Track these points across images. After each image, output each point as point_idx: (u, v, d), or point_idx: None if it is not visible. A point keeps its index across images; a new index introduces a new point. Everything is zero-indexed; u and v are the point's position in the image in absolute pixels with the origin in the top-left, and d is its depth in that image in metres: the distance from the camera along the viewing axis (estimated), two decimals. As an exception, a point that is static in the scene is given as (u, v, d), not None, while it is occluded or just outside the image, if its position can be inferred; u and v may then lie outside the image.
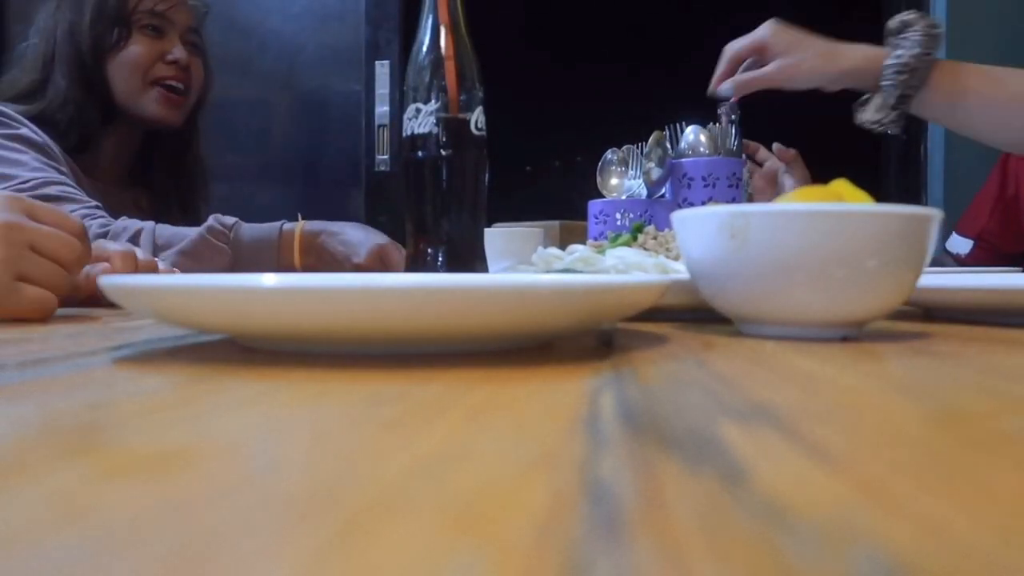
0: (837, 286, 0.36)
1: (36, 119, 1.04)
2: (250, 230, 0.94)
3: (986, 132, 0.91)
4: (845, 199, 0.48)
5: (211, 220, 0.93)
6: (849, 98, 0.94)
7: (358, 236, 0.93)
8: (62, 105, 1.05)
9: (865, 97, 0.87)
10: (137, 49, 1.06)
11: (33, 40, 1.09)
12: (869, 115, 0.86)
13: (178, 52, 1.08)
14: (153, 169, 1.15)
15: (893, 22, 0.85)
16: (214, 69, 1.18)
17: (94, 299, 0.71)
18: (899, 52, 0.83)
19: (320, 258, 0.94)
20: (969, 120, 0.88)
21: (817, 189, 0.52)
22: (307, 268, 0.94)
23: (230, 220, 0.94)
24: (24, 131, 1.00)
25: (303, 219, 0.95)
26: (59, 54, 1.06)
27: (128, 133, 1.12)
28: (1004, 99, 0.85)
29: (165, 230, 0.92)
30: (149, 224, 0.92)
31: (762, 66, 0.88)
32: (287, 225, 0.95)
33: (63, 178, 0.97)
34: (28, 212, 0.51)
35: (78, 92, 1.05)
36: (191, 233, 0.91)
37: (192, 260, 0.89)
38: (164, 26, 1.08)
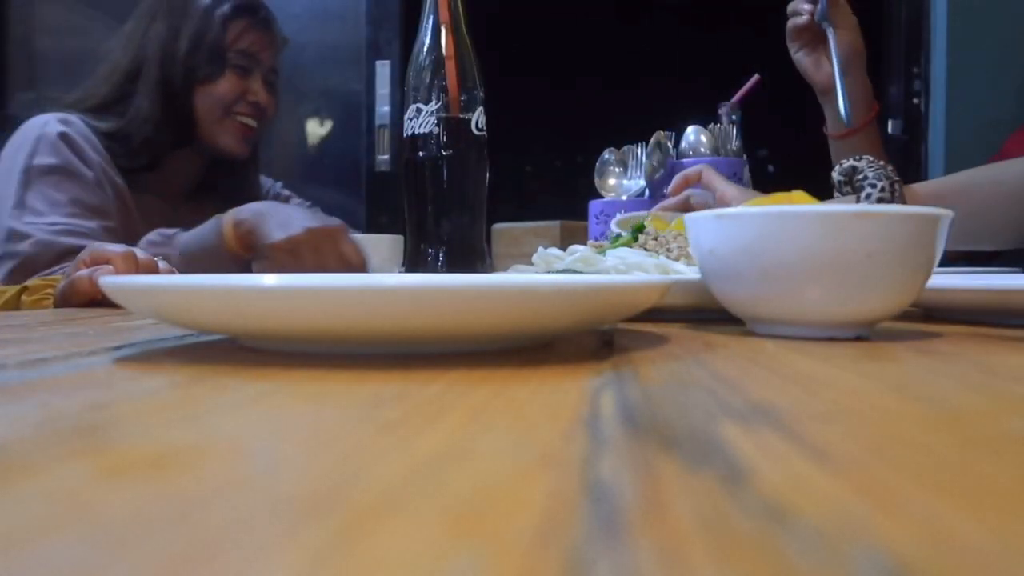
0: (851, 286, 0.37)
1: (108, 135, 1.03)
2: (189, 238, 0.90)
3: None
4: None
5: (153, 235, 0.91)
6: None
7: (297, 213, 0.87)
8: (140, 125, 1.04)
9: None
10: (225, 86, 1.06)
11: (116, 50, 1.07)
12: None
13: (260, 94, 1.09)
14: (215, 192, 1.14)
15: (838, 173, 0.77)
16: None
17: (94, 301, 0.71)
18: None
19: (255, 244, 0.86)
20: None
21: (780, 196, 0.53)
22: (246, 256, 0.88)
23: (169, 231, 0.92)
24: (74, 162, 0.98)
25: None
26: (146, 74, 1.04)
27: (193, 157, 1.11)
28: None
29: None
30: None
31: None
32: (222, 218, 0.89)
33: (84, 227, 0.96)
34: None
35: (160, 116, 1.04)
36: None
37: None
38: (252, 66, 1.09)
